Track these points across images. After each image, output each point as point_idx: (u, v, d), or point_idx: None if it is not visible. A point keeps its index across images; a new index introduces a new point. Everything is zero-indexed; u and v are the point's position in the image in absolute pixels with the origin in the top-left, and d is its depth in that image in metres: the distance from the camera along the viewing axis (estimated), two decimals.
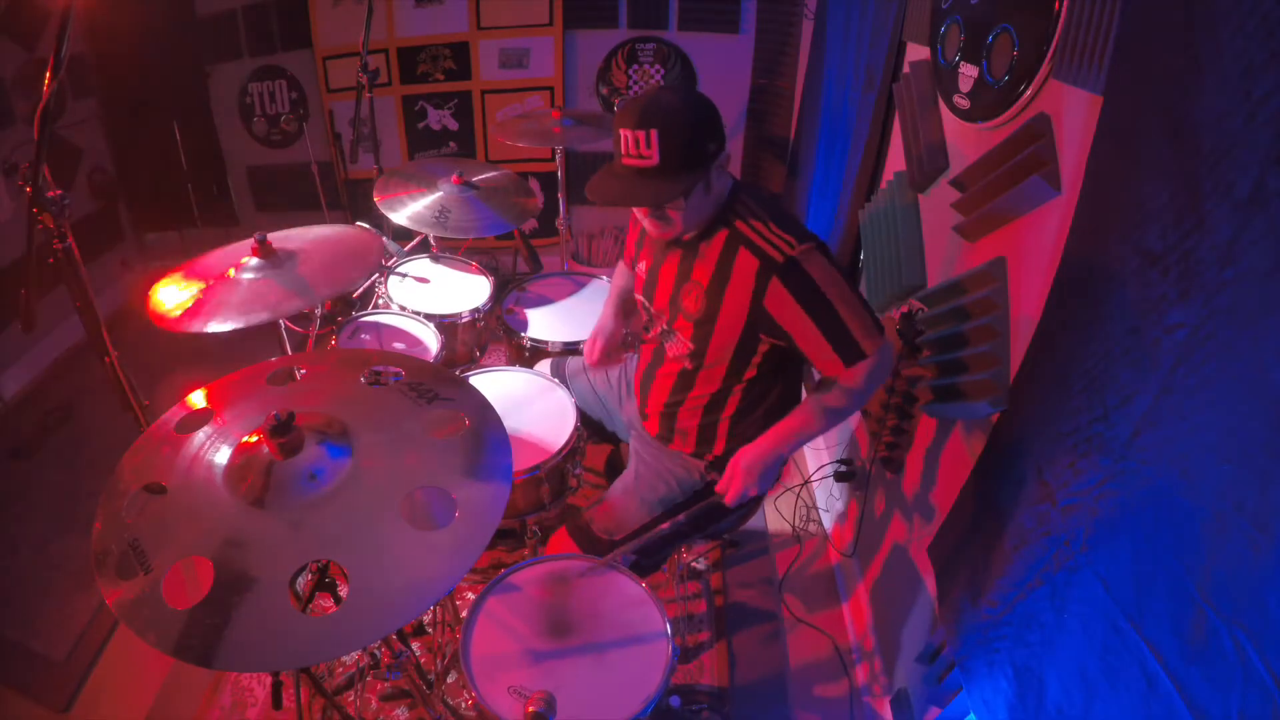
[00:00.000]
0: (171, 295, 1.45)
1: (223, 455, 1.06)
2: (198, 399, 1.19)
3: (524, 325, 2.23)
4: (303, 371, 1.33)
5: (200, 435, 1.10)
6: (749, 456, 1.44)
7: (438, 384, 1.22)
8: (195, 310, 1.40)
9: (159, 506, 1.01)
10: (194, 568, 0.94)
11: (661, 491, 1.61)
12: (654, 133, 1.26)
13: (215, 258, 1.58)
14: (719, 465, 1.52)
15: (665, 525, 1.50)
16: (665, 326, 1.54)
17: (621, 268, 1.87)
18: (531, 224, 3.62)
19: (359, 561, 0.95)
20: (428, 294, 2.32)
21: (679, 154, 1.28)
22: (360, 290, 2.47)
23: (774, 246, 1.33)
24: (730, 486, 1.45)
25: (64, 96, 3.07)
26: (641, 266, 1.61)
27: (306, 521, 0.98)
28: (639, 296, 1.64)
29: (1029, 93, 1.28)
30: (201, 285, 1.47)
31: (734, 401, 1.52)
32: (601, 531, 1.58)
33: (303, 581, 1.74)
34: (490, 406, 1.19)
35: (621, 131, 1.30)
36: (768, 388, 1.51)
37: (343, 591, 0.92)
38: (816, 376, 1.44)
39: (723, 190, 1.40)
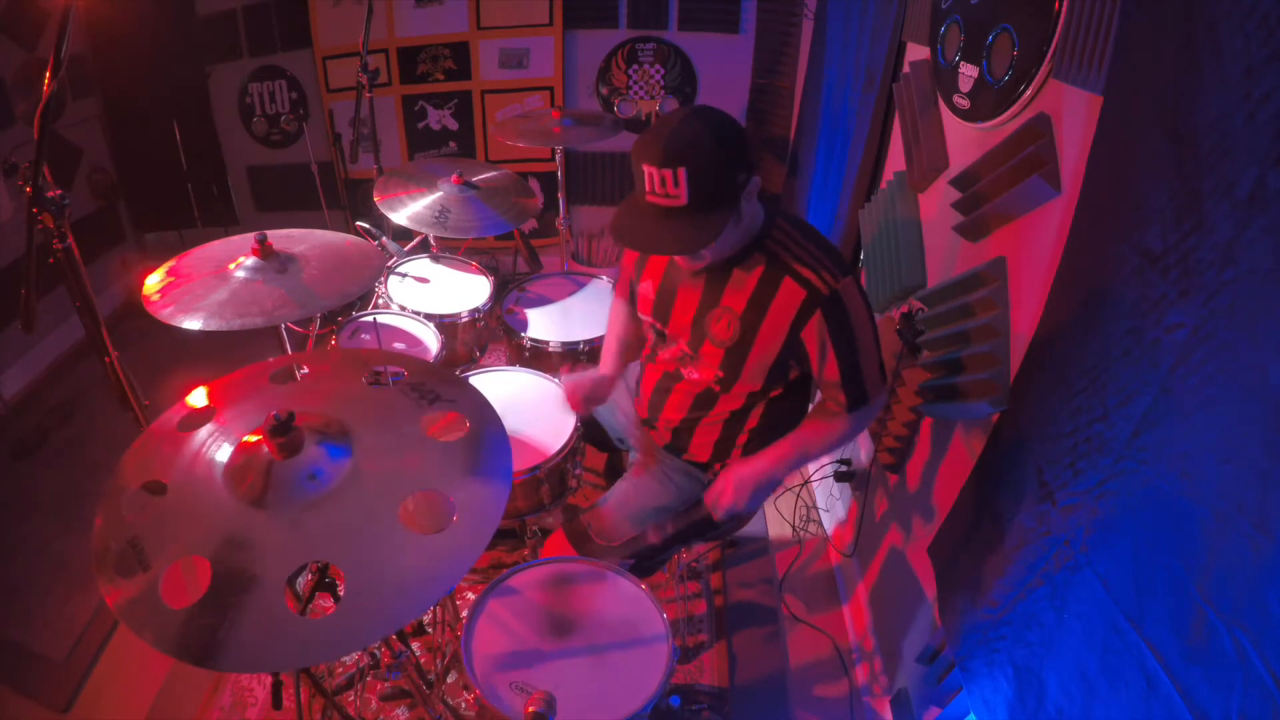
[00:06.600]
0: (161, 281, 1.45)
1: (223, 454, 1.06)
2: (199, 398, 1.19)
3: (524, 325, 2.23)
4: (304, 371, 1.33)
5: (201, 434, 1.10)
6: (743, 474, 1.43)
7: (438, 384, 1.22)
8: (189, 305, 1.40)
9: (159, 506, 1.01)
10: (193, 567, 0.94)
11: (663, 499, 1.61)
12: (682, 171, 1.17)
13: (214, 250, 1.58)
14: None
15: (662, 533, 1.49)
16: (687, 351, 1.48)
17: (619, 306, 1.74)
18: (531, 224, 3.62)
19: (359, 562, 0.95)
20: (428, 294, 2.33)
21: (710, 191, 1.20)
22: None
23: (819, 277, 1.29)
24: (720, 501, 1.43)
25: (64, 96, 3.07)
26: (646, 286, 1.53)
27: (306, 521, 0.98)
28: (646, 317, 1.55)
29: (1029, 93, 1.28)
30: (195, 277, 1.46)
31: (757, 415, 1.50)
32: (599, 536, 1.57)
33: (303, 581, 1.75)
34: (490, 406, 1.19)
35: (645, 168, 1.20)
36: (787, 402, 1.51)
37: (343, 591, 0.92)
38: (817, 398, 1.46)
39: (755, 215, 1.34)
